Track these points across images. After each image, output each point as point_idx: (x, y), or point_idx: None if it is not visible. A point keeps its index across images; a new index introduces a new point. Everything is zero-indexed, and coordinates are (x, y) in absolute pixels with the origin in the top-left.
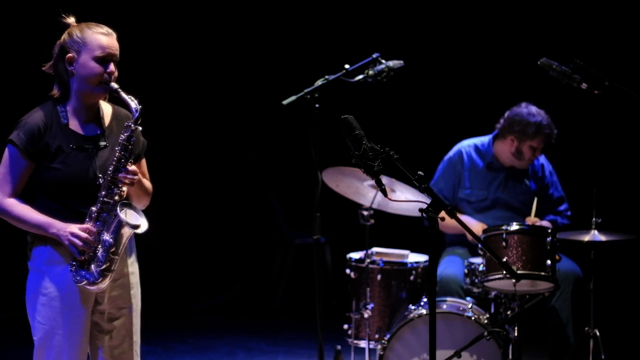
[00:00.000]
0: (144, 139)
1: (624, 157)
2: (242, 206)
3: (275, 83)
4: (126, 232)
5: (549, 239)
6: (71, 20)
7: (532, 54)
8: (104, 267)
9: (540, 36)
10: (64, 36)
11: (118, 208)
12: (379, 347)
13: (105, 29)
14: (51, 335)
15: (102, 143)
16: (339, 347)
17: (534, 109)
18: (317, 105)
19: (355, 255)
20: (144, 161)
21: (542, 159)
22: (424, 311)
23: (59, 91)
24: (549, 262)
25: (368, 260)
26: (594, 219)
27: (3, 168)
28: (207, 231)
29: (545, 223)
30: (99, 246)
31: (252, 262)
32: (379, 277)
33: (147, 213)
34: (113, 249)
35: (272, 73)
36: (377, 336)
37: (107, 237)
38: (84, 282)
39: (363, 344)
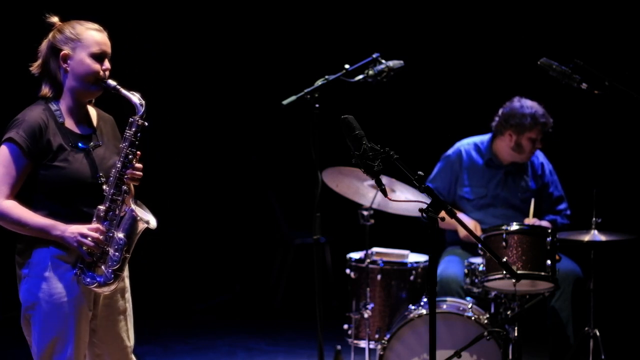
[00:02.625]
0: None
1: (624, 157)
2: (242, 206)
3: (275, 83)
4: (139, 228)
5: (549, 239)
6: (55, 19)
7: (532, 54)
8: (117, 267)
9: (540, 36)
10: (53, 34)
11: (131, 204)
12: (379, 347)
13: (97, 26)
14: (58, 343)
15: (96, 142)
16: (339, 347)
17: (527, 101)
18: (317, 105)
19: (355, 255)
20: None
21: (542, 158)
22: (424, 311)
23: (50, 90)
24: (549, 262)
25: (368, 260)
26: (594, 219)
27: (1, 168)
28: (207, 231)
29: (544, 223)
30: (110, 246)
31: (252, 262)
32: (379, 277)
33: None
34: (126, 248)
35: (272, 73)
36: (377, 336)
37: (119, 235)
38: (94, 285)
39: (363, 344)
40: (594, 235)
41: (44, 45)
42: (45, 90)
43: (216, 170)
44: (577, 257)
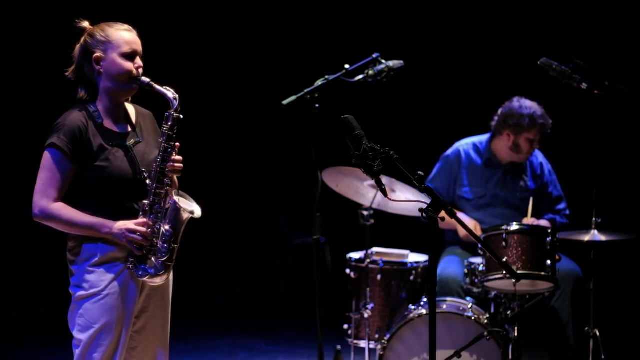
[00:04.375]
0: None
1: (624, 157)
2: (243, 206)
3: (275, 83)
4: (184, 218)
5: (549, 239)
6: (85, 24)
7: (532, 54)
8: (166, 258)
9: (540, 36)
10: (85, 38)
11: (174, 195)
12: (379, 347)
13: (127, 26)
14: (100, 334)
15: (136, 139)
16: (339, 347)
17: (526, 102)
18: (317, 105)
19: (355, 255)
20: None
21: (541, 158)
22: (424, 311)
23: (86, 94)
24: (549, 262)
25: (368, 260)
26: (594, 219)
27: (47, 172)
28: (207, 231)
29: (543, 222)
30: (157, 238)
31: (252, 262)
32: (379, 277)
33: None
34: (173, 238)
35: (272, 73)
36: (377, 336)
37: (166, 227)
38: (147, 277)
39: (363, 344)
40: (594, 235)
41: (76, 50)
42: (82, 93)
43: (216, 171)
44: (577, 257)
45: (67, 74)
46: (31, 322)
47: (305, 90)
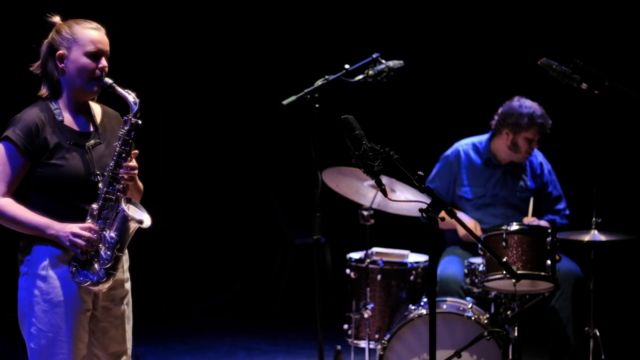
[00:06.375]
0: None
1: (624, 157)
2: (243, 206)
3: (275, 83)
4: (131, 227)
5: (549, 239)
6: (56, 19)
7: (532, 54)
8: (109, 265)
9: (540, 36)
10: (52, 34)
11: (123, 203)
12: (379, 347)
13: (95, 24)
14: (54, 342)
15: (97, 140)
16: (339, 347)
17: (526, 101)
18: (317, 105)
19: (355, 255)
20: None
21: (541, 158)
22: (424, 311)
23: (48, 90)
24: (549, 262)
25: (368, 260)
26: (594, 219)
27: None
28: (207, 231)
29: (542, 222)
30: (102, 244)
31: (252, 262)
32: (379, 277)
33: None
34: (118, 246)
35: (272, 73)
36: (377, 336)
37: (111, 234)
38: (87, 283)
39: (363, 344)
40: (594, 235)
41: (43, 45)
42: (44, 90)
43: (217, 171)
44: (577, 257)
45: (31, 68)
46: None
47: (305, 90)
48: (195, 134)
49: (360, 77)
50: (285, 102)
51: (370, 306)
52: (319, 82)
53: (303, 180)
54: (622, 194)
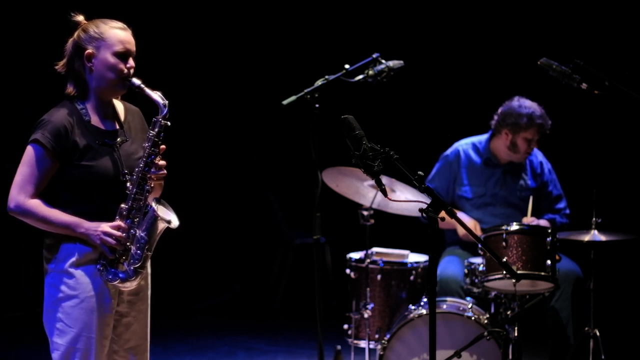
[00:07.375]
0: None
1: (624, 157)
2: (243, 206)
3: (275, 83)
4: (160, 227)
5: (549, 239)
6: (80, 18)
7: (532, 54)
8: (138, 264)
9: (540, 36)
10: (78, 33)
11: (153, 203)
12: (379, 347)
13: (121, 24)
14: (80, 338)
15: (123, 137)
16: (339, 347)
17: (526, 101)
18: (317, 105)
19: (355, 255)
20: None
21: (541, 157)
22: (424, 311)
23: (75, 89)
24: (549, 262)
25: (368, 260)
26: (594, 219)
27: (27, 168)
28: (207, 231)
29: (542, 222)
30: (132, 244)
31: (252, 262)
32: (379, 277)
33: None
34: (147, 246)
35: (272, 73)
36: (377, 336)
37: (140, 233)
38: (116, 281)
39: (363, 344)
40: (594, 235)
41: (69, 44)
42: (70, 89)
43: (217, 171)
44: (577, 257)
45: (57, 67)
46: (31, 322)
47: (305, 90)
48: (195, 134)
49: (360, 77)
50: (285, 102)
51: (370, 306)
52: (319, 82)
53: (303, 180)
54: (622, 194)
